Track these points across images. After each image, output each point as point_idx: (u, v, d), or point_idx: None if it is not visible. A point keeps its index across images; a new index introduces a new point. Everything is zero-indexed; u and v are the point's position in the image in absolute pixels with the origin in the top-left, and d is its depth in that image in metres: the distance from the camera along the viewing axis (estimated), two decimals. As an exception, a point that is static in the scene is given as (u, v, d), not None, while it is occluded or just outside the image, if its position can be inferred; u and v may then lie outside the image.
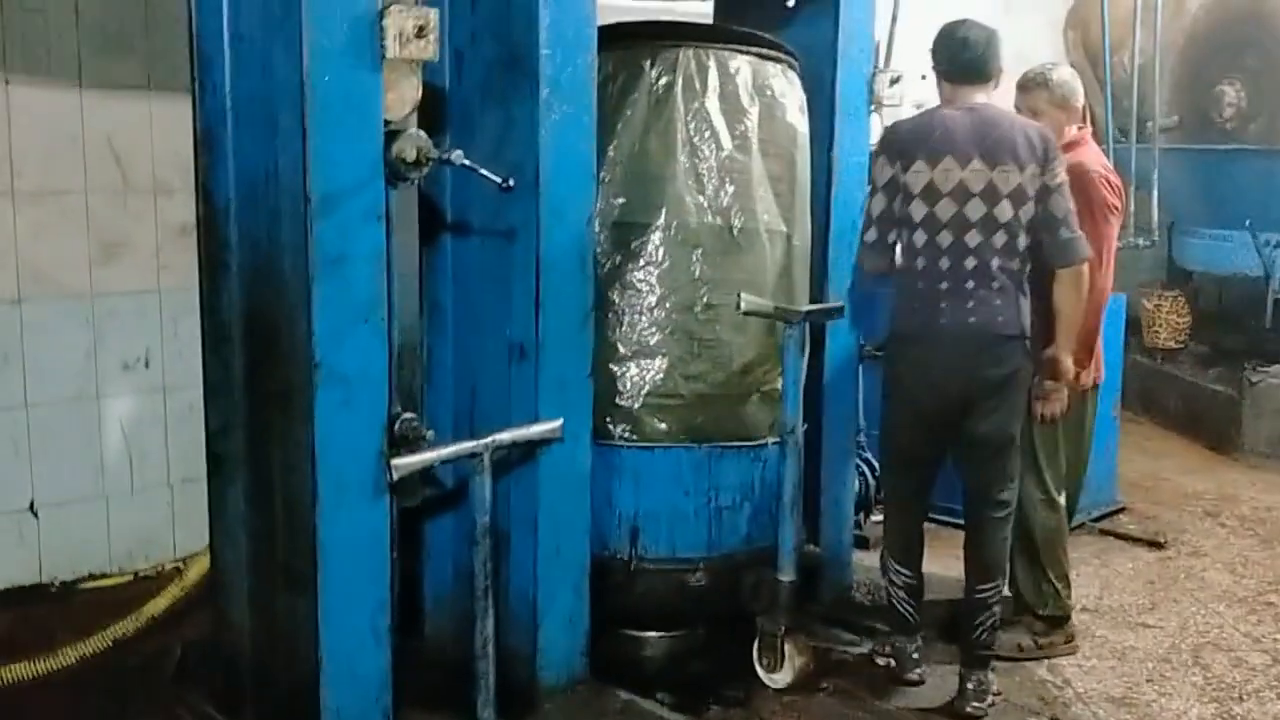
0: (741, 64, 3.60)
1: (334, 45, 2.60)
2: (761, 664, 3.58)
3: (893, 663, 3.69)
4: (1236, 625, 4.27)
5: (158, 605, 3.66)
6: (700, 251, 3.52)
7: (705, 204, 3.52)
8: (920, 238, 3.45)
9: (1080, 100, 3.93)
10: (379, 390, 2.79)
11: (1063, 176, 3.42)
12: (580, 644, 3.34)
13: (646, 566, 3.53)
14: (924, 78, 3.80)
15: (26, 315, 3.73)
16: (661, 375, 3.50)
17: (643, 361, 3.50)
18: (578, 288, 3.24)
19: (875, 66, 4.28)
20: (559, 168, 3.13)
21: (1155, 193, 6.40)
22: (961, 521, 3.69)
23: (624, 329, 3.50)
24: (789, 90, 3.74)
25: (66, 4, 3.72)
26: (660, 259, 3.50)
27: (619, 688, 3.34)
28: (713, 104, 3.54)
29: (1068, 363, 3.58)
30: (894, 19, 5.06)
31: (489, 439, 2.95)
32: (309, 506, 2.72)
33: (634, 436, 3.50)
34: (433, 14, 2.73)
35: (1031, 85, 3.91)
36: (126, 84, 3.84)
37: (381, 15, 2.65)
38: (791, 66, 3.78)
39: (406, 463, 2.81)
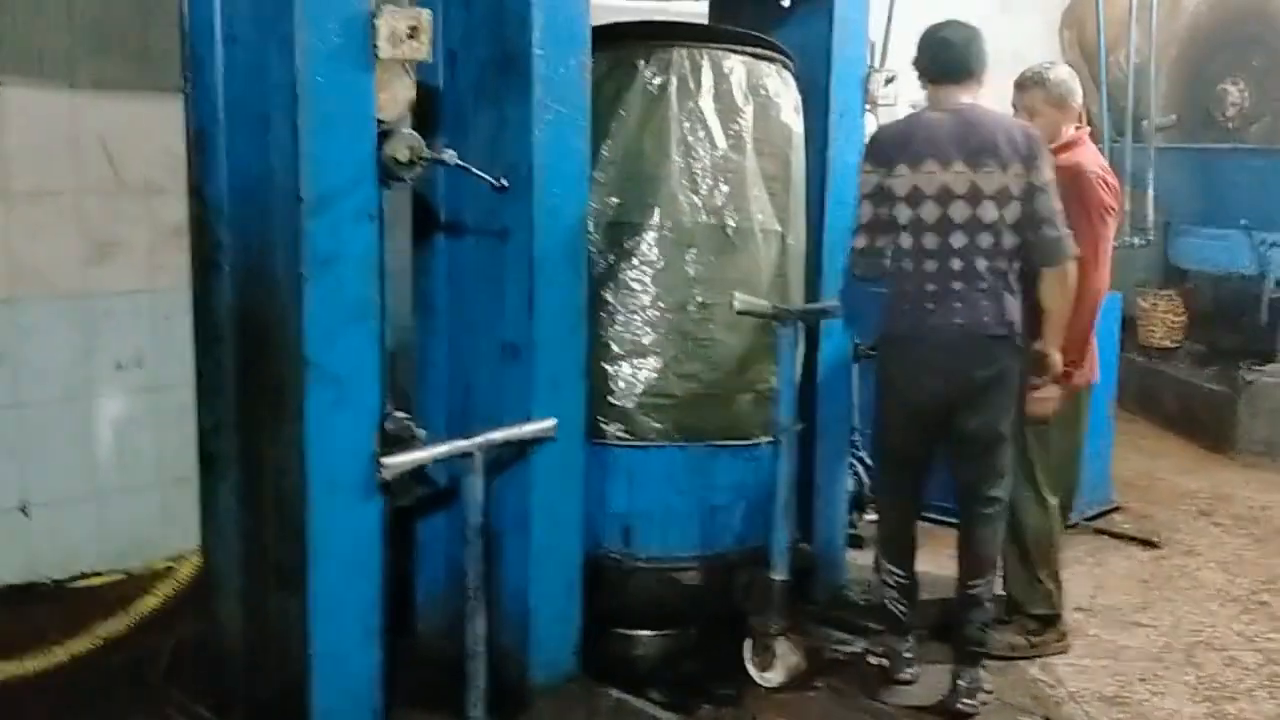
0: (736, 64, 3.60)
1: (326, 46, 2.61)
2: (754, 663, 3.58)
3: (885, 662, 3.69)
4: (1230, 624, 4.28)
5: (149, 604, 3.65)
6: (694, 251, 3.52)
7: (699, 204, 3.52)
8: (906, 241, 3.46)
9: (1078, 100, 3.93)
10: (371, 390, 2.79)
11: (1048, 175, 3.42)
12: (572, 643, 3.34)
13: (639, 565, 3.53)
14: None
15: (19, 315, 3.73)
16: (655, 374, 3.50)
17: (636, 361, 3.50)
18: (571, 287, 3.24)
19: (870, 66, 4.28)
20: (553, 168, 3.13)
21: (1151, 191, 6.41)
22: (955, 521, 3.69)
23: (618, 328, 3.50)
24: (783, 90, 3.74)
25: (59, 3, 3.71)
26: (654, 258, 3.50)
27: (611, 687, 3.35)
28: (707, 104, 3.54)
29: (1056, 358, 3.59)
30: (889, 19, 5.07)
31: (482, 438, 2.95)
32: (300, 506, 2.72)
33: (627, 436, 3.50)
34: (425, 14, 2.73)
35: (1028, 84, 3.91)
36: (120, 84, 3.83)
37: (374, 16, 2.65)
38: (786, 66, 3.78)
39: (398, 462, 2.81)
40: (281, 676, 2.87)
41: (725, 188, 3.55)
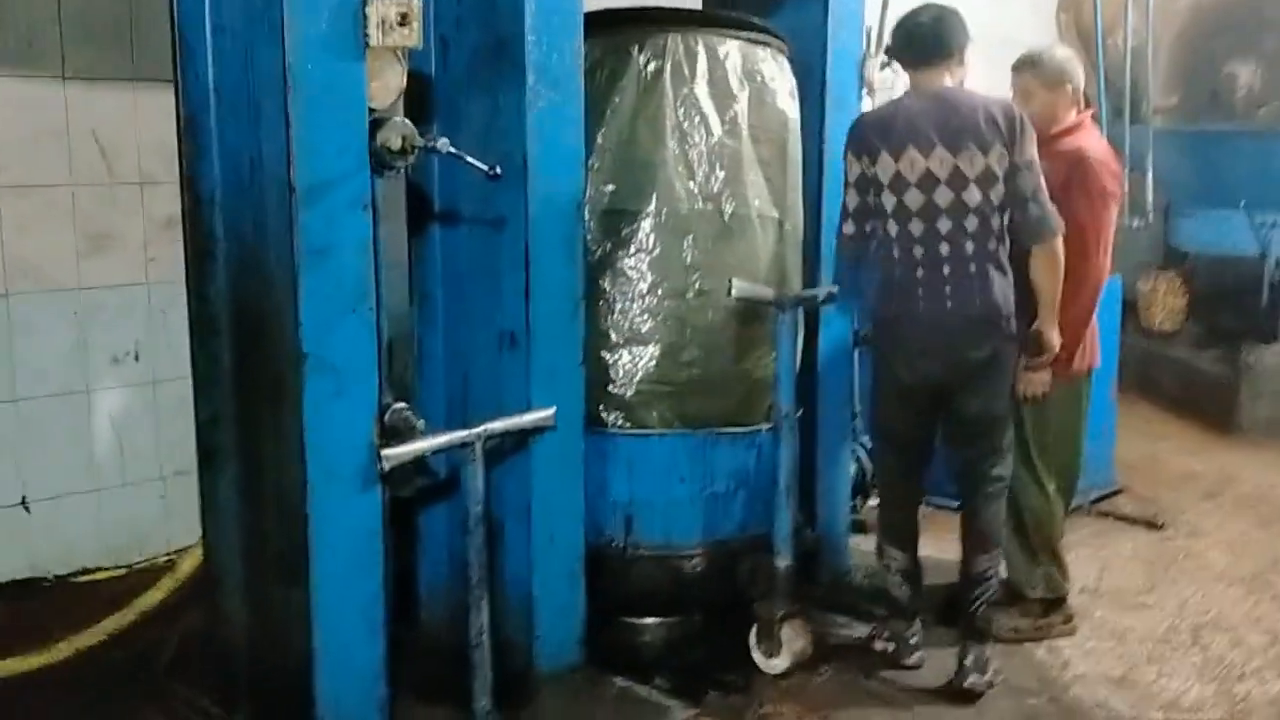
0: (731, 49, 3.58)
1: (316, 34, 2.59)
2: (759, 649, 3.57)
3: (890, 647, 3.68)
4: (1236, 605, 4.27)
5: (151, 598, 3.65)
6: (691, 238, 3.50)
7: (696, 190, 3.51)
8: (893, 228, 3.46)
9: (1075, 82, 3.85)
10: (369, 380, 2.78)
11: (1031, 152, 3.40)
12: (576, 632, 3.33)
13: (642, 554, 3.52)
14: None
15: (13, 310, 3.72)
16: (654, 362, 3.49)
17: (635, 349, 3.49)
18: (568, 276, 3.23)
19: (866, 50, 4.26)
20: (547, 155, 3.11)
21: (1150, 174, 6.38)
22: (957, 504, 3.68)
23: (616, 316, 3.49)
24: (779, 75, 3.72)
25: (49, -6, 3.70)
26: (651, 246, 3.48)
27: (616, 675, 3.35)
28: (702, 89, 3.52)
29: (1052, 336, 3.57)
30: (884, 3, 5.03)
31: (481, 428, 2.94)
32: (300, 498, 2.71)
33: (627, 424, 3.49)
34: (416, 1, 2.71)
35: (1022, 66, 3.88)
36: (111, 75, 3.81)
37: (364, 3, 2.63)
38: (781, 51, 3.76)
39: (398, 453, 2.80)
40: (285, 669, 2.86)
41: (721, 174, 3.53)
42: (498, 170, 2.95)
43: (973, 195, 3.37)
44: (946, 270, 3.41)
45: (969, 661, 3.49)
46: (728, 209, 3.53)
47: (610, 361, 3.48)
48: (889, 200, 3.45)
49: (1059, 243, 3.44)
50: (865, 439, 4.43)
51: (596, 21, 3.30)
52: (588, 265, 3.34)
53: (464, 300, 3.33)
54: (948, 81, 3.47)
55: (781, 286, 3.63)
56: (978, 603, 3.53)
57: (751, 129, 3.60)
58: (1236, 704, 3.54)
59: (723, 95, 3.56)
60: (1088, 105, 4.02)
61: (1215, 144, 6.95)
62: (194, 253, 3.02)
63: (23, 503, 3.78)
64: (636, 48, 3.49)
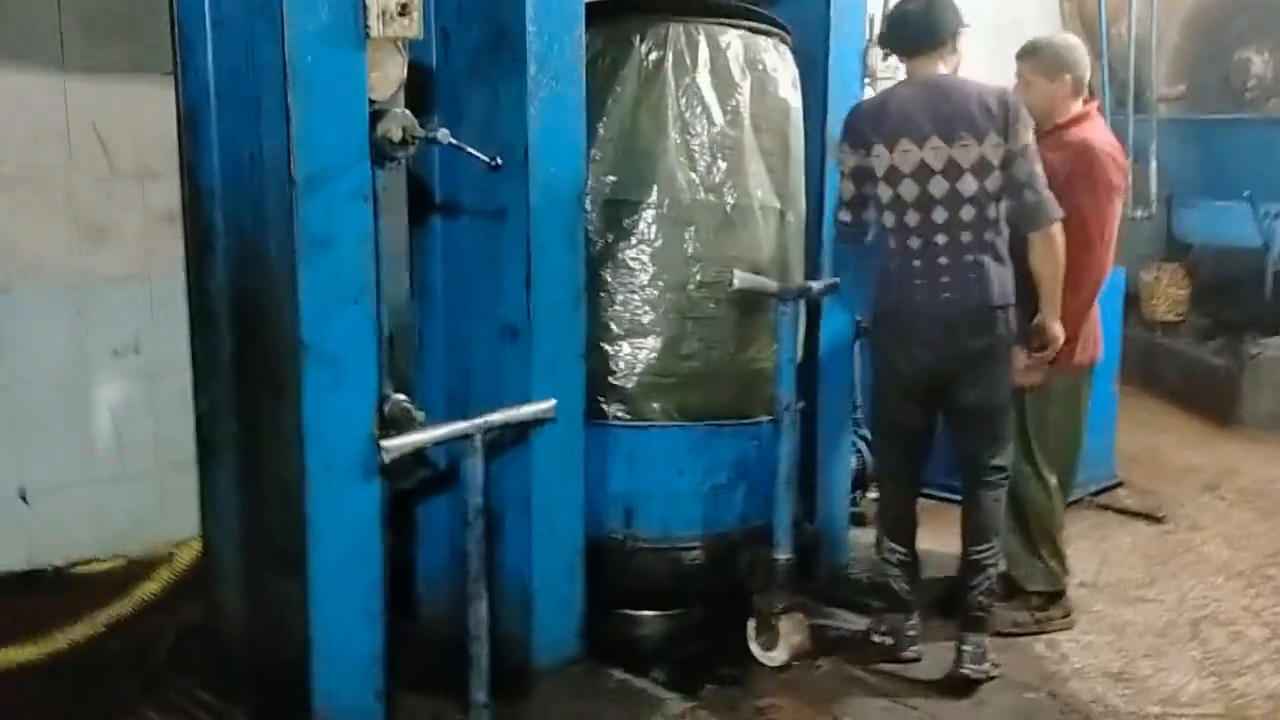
0: (733, 38, 3.57)
1: (316, 25, 2.58)
2: (758, 642, 3.57)
3: (889, 640, 3.68)
4: (1235, 599, 4.26)
5: (149, 589, 3.65)
6: (693, 229, 3.49)
7: (698, 181, 3.49)
8: (889, 219, 3.46)
9: (1076, 71, 3.81)
10: (368, 372, 2.78)
11: (1027, 139, 3.38)
12: (575, 624, 3.33)
13: (641, 546, 3.51)
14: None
15: (13, 302, 3.70)
16: (655, 354, 3.48)
17: (636, 340, 3.48)
18: (569, 267, 3.22)
19: (868, 40, 4.24)
20: (548, 146, 3.11)
21: (1154, 164, 6.36)
22: (957, 497, 3.68)
23: (617, 308, 3.47)
24: (781, 64, 3.70)
25: (49, -14, 3.68)
26: (653, 237, 3.47)
27: (614, 667, 3.35)
28: (704, 79, 3.51)
29: (1056, 329, 3.56)
30: (887, -9, 5.00)
31: (481, 420, 2.93)
32: (299, 490, 2.71)
33: (628, 416, 3.48)
34: (416, -9, 2.70)
35: (1023, 54, 3.87)
36: (111, 67, 3.79)
37: (364, -7, 2.62)
38: (784, 40, 3.75)
39: (397, 444, 2.79)
40: (283, 660, 2.86)
41: (723, 164, 3.52)
42: (499, 161, 2.94)
43: (968, 185, 3.36)
44: (944, 261, 3.40)
45: (967, 650, 3.49)
46: (730, 200, 3.52)
47: (611, 353, 3.47)
48: (884, 192, 3.44)
49: (1057, 229, 3.42)
50: (866, 432, 4.43)
51: (598, 11, 3.29)
52: (589, 256, 3.33)
53: (464, 291, 3.32)
54: (941, 69, 3.46)
55: (783, 278, 3.62)
56: (977, 591, 3.52)
57: (754, 119, 3.59)
58: (1235, 699, 3.54)
59: (725, 85, 3.54)
60: (1092, 95, 3.99)
61: (1219, 134, 6.92)
62: (194, 245, 3.01)
63: (21, 495, 3.77)
64: (638, 37, 3.48)
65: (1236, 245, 7.04)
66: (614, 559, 3.49)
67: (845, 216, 3.62)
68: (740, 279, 3.40)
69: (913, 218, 3.42)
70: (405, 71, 2.77)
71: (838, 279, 3.88)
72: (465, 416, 2.95)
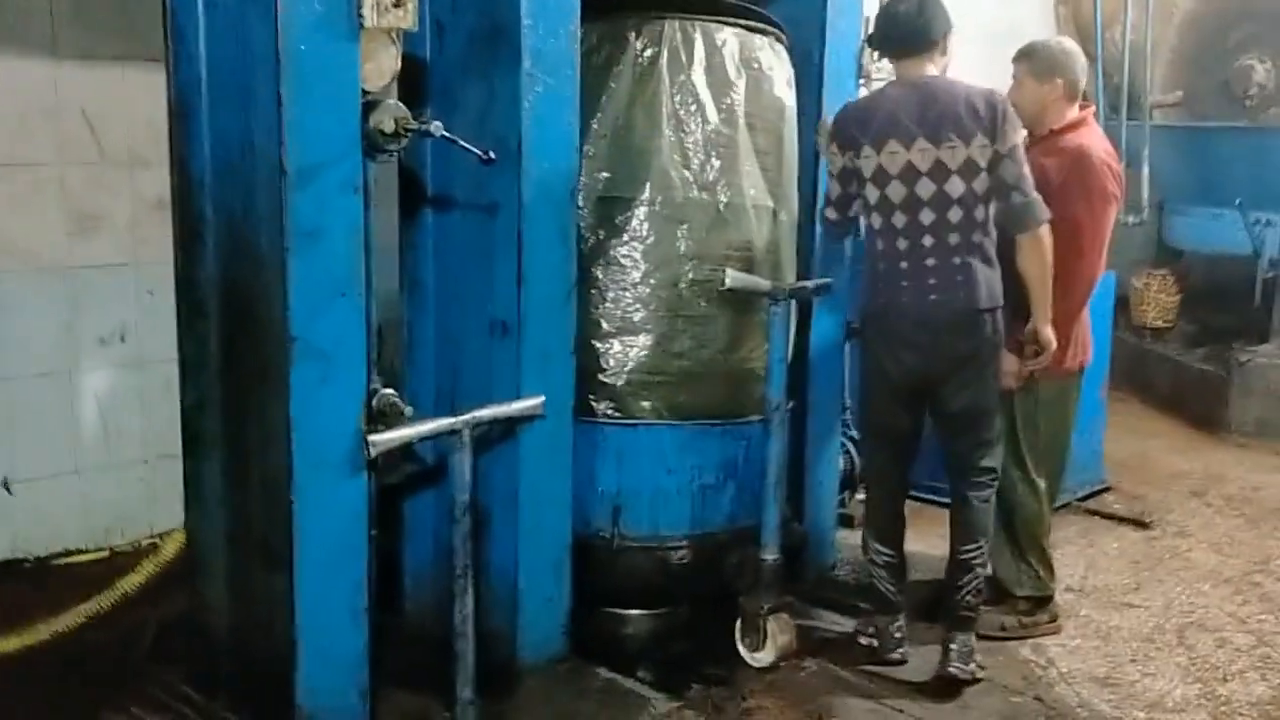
0: (728, 36, 3.55)
1: (310, 14, 2.56)
2: (744, 643, 3.56)
3: (875, 642, 3.67)
4: (1221, 605, 4.27)
5: (132, 582, 3.62)
6: (686, 227, 3.48)
7: (691, 178, 3.48)
8: (877, 220, 3.46)
9: (1068, 75, 3.78)
10: (357, 365, 2.76)
11: (1014, 140, 3.37)
12: (561, 622, 3.32)
13: (629, 545, 3.50)
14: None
15: (1, 289, 3.68)
16: (646, 352, 3.47)
17: (627, 338, 3.46)
18: (560, 263, 3.21)
19: (864, 39, 4.23)
20: (542, 141, 3.09)
21: (1146, 170, 6.36)
22: (944, 500, 3.67)
23: (608, 305, 3.46)
24: (776, 63, 3.69)
25: (39, -28, 3.66)
26: (645, 234, 3.46)
27: (600, 666, 3.33)
28: (699, 77, 3.49)
29: (1047, 333, 3.56)
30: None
31: (469, 416, 2.91)
32: (285, 483, 2.69)
33: (617, 414, 3.47)
34: (411, -18, 2.68)
35: (1019, 56, 3.86)
36: (101, 54, 3.77)
37: (358, -17, 2.60)
38: (779, 39, 3.74)
39: (385, 439, 2.77)
40: (267, 655, 2.84)
41: (717, 162, 3.50)
42: (491, 155, 2.92)
43: (955, 186, 3.36)
44: (931, 262, 3.40)
45: (954, 649, 3.49)
46: (723, 198, 3.51)
47: (601, 350, 3.45)
48: (872, 193, 3.44)
49: (1045, 231, 3.42)
50: (855, 433, 4.42)
51: (594, 6, 3.26)
52: (580, 253, 3.32)
53: (455, 286, 3.31)
54: (931, 70, 3.45)
55: (775, 277, 3.61)
56: (965, 590, 3.52)
57: (748, 117, 3.57)
58: (1220, 705, 3.54)
59: (720, 83, 3.53)
60: (1087, 101, 3.97)
61: (1211, 141, 6.92)
62: (182, 234, 2.98)
63: (4, 483, 3.75)
64: (633, 34, 3.46)
65: (1227, 252, 7.05)
66: (601, 557, 3.48)
67: (832, 214, 3.66)
68: (733, 278, 3.39)
69: (900, 219, 3.41)
70: (399, 63, 2.76)
71: (830, 279, 3.87)
72: (454, 412, 2.93)
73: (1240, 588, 4.44)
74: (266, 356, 2.72)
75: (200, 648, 3.12)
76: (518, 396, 3.08)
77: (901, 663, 3.62)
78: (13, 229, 3.69)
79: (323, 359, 2.68)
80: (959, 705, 3.43)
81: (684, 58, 3.48)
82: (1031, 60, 3.81)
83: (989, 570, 3.71)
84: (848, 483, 4.45)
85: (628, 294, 3.46)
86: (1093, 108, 4.05)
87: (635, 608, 3.64)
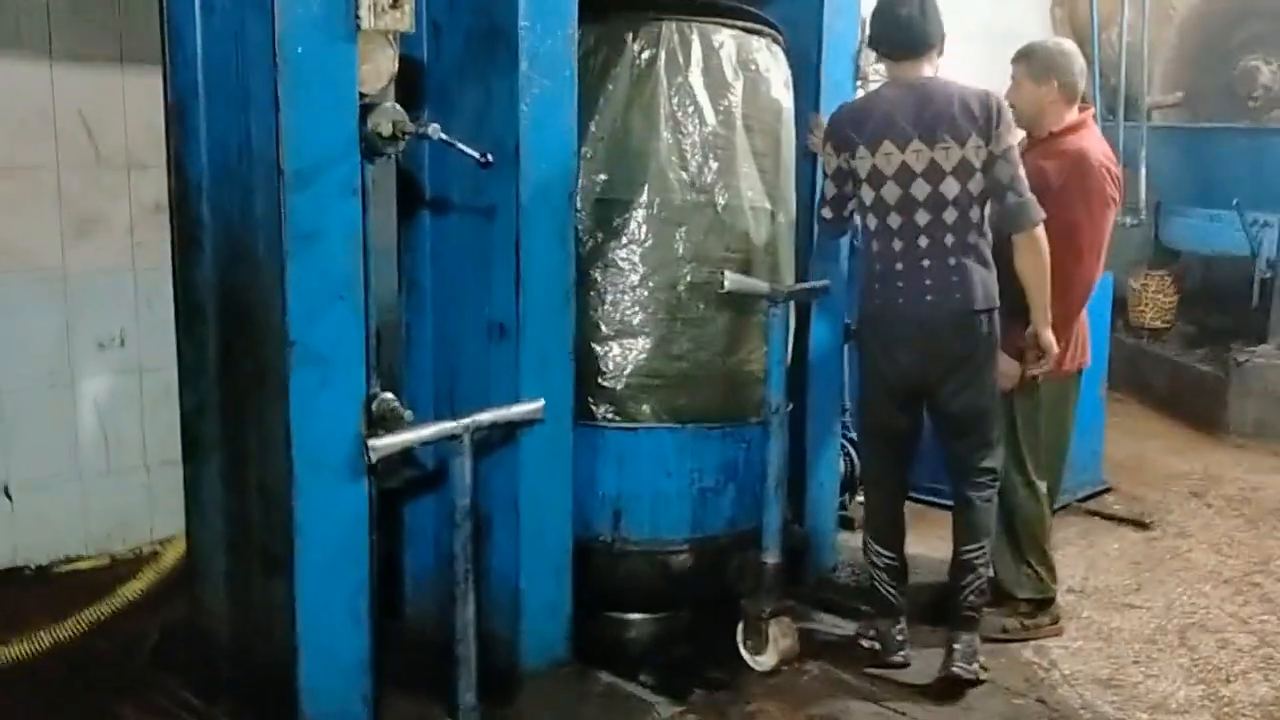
0: (725, 38, 3.55)
1: (307, 16, 2.56)
2: (746, 646, 3.55)
3: (877, 645, 3.66)
4: (1223, 606, 4.26)
5: (133, 588, 3.61)
6: (684, 229, 3.47)
7: (689, 181, 3.47)
8: (872, 221, 3.46)
9: (1066, 77, 3.77)
10: (356, 369, 2.75)
11: (1009, 141, 3.37)
12: (562, 627, 3.31)
13: (630, 548, 3.49)
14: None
15: (-2, 293, 3.68)
16: (645, 355, 3.46)
17: (625, 341, 3.45)
18: (559, 266, 3.20)
19: (861, 41, 4.22)
20: (539, 143, 3.08)
21: (1143, 171, 6.36)
22: (946, 502, 3.66)
23: (606, 308, 3.45)
24: (774, 65, 3.68)
25: (36, -27, 3.65)
26: (643, 236, 3.45)
27: (602, 670, 3.32)
28: (696, 79, 3.49)
29: (1048, 336, 3.55)
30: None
31: (469, 420, 2.90)
32: (285, 488, 2.68)
33: (617, 417, 3.46)
34: (408, -16, 2.67)
35: (1017, 57, 3.85)
36: (98, 56, 3.76)
37: (356, -15, 2.59)
38: (776, 41, 3.73)
39: (384, 444, 2.76)
40: (268, 660, 2.83)
41: (715, 165, 3.50)
42: (489, 158, 2.91)
43: (950, 187, 3.35)
44: (926, 263, 3.40)
45: (958, 649, 3.48)
46: (721, 200, 3.50)
47: (600, 353, 3.44)
48: (867, 194, 3.44)
49: (1040, 231, 3.41)
50: (855, 435, 4.41)
51: (591, 8, 3.25)
52: (578, 255, 3.31)
53: (453, 289, 3.30)
54: (926, 71, 3.45)
55: (774, 279, 3.60)
56: (968, 590, 3.51)
57: (746, 119, 3.57)
58: (1223, 706, 3.53)
59: (717, 85, 3.52)
60: (1086, 103, 3.97)
61: (1209, 142, 6.92)
62: (180, 238, 2.98)
63: (4, 491, 3.73)
64: (631, 35, 3.46)
65: (1224, 253, 7.05)
66: (602, 561, 3.47)
67: (827, 213, 3.67)
68: (731, 280, 3.38)
69: (895, 220, 3.41)
70: (396, 65, 2.75)
71: (828, 281, 3.87)
72: (453, 415, 2.93)
73: (1241, 588, 4.43)
74: (265, 360, 2.71)
75: (201, 654, 3.11)
76: (516, 399, 3.07)
77: (904, 665, 3.60)
78: (10, 233, 3.68)
79: (321, 363, 2.67)
80: (962, 708, 3.42)
81: (681, 59, 3.47)
82: (1029, 61, 3.80)
83: (991, 571, 3.70)
84: (848, 485, 4.45)
85: (626, 296, 3.46)
86: (1092, 110, 4.04)
87: (637, 612, 3.63)
